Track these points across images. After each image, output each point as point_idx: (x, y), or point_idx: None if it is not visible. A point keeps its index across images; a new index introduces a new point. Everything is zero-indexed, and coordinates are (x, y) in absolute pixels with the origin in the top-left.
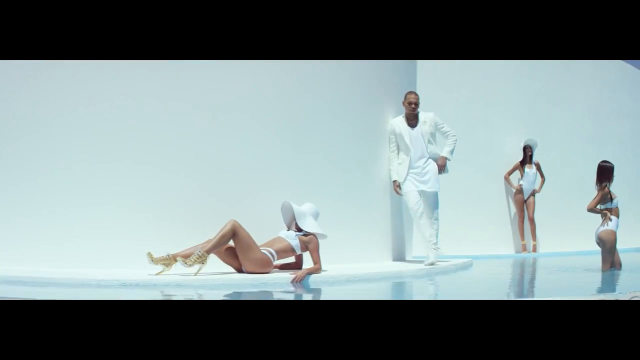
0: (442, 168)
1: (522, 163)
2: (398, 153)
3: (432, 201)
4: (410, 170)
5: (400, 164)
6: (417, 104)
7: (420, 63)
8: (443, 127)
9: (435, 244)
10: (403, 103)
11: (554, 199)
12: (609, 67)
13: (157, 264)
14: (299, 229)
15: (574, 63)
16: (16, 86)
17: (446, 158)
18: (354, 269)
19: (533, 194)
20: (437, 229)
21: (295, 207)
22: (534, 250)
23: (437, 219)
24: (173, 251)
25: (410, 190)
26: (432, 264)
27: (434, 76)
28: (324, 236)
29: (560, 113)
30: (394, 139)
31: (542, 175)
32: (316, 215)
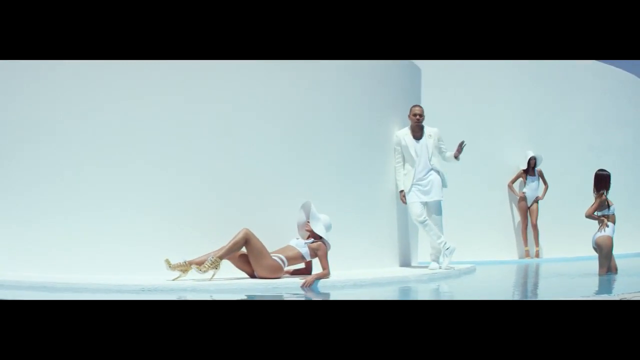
0: (458, 153)
1: (526, 172)
2: (403, 164)
3: (435, 210)
4: (414, 182)
5: (405, 174)
6: (421, 115)
7: (424, 74)
8: (442, 146)
9: (448, 249)
10: (409, 116)
11: (556, 206)
12: (610, 75)
13: (174, 270)
14: (308, 237)
15: (575, 72)
16: (30, 89)
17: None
18: (361, 274)
19: (536, 200)
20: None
21: (313, 208)
22: (537, 255)
23: (440, 226)
24: (189, 257)
25: (414, 202)
26: (446, 267)
27: (437, 85)
28: (328, 245)
29: (561, 121)
30: (399, 150)
31: (545, 183)
32: (328, 227)
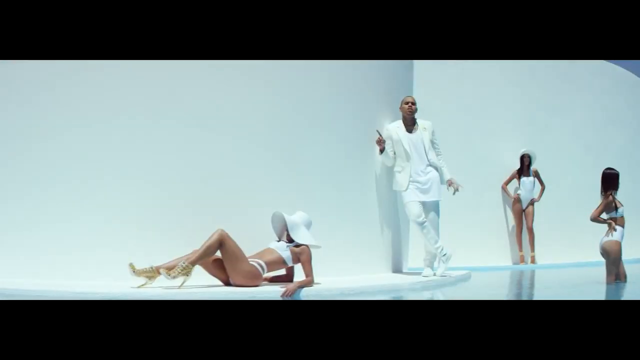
0: (456, 188)
1: (520, 172)
2: (395, 160)
3: (433, 210)
4: (412, 179)
5: (400, 172)
6: (414, 104)
7: (417, 72)
8: (435, 142)
9: (445, 255)
10: (400, 107)
11: (552, 208)
12: (608, 73)
13: (139, 277)
14: (290, 240)
15: (572, 71)
16: (27, 94)
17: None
18: (349, 282)
19: (532, 203)
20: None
21: (287, 217)
22: (532, 261)
23: (437, 229)
24: (157, 263)
25: (412, 201)
26: (441, 275)
27: (431, 85)
28: (317, 247)
29: (558, 121)
30: (390, 145)
31: (541, 183)
32: (309, 225)
